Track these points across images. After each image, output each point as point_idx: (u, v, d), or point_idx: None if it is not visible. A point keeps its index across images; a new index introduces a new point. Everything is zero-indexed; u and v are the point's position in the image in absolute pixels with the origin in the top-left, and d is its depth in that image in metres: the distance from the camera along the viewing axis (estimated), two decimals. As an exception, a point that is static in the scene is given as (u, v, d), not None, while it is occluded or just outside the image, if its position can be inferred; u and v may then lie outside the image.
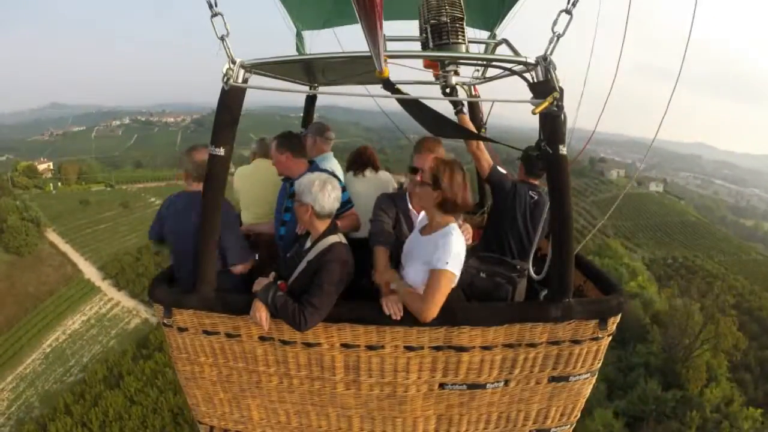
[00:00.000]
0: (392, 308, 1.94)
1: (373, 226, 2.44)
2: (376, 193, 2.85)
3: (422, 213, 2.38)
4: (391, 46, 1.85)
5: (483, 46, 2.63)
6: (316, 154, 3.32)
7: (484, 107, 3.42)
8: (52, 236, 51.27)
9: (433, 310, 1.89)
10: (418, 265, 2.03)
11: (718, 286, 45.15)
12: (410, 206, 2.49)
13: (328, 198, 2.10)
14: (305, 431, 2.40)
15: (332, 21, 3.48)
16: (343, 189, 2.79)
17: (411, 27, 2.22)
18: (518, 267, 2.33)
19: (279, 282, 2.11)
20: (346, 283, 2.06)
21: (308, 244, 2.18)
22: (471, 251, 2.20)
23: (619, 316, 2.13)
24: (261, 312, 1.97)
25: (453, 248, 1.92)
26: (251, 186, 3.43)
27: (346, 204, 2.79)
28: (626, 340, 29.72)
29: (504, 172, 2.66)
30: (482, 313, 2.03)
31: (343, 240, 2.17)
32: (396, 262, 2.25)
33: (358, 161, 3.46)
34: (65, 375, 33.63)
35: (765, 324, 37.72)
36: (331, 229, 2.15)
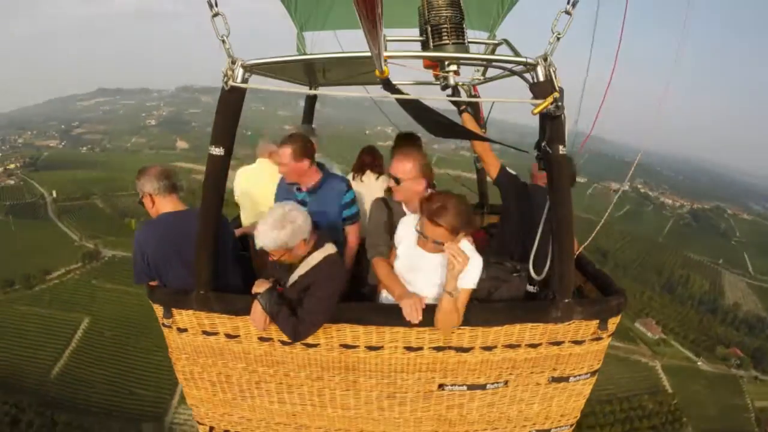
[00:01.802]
0: (413, 313, 1.91)
1: (368, 240, 2.42)
2: (372, 198, 2.84)
3: (407, 219, 2.34)
4: (391, 47, 1.84)
5: (483, 46, 2.63)
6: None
7: (484, 107, 3.42)
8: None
9: (453, 325, 1.97)
10: (435, 279, 2.00)
11: None
12: (405, 209, 2.48)
13: (304, 224, 1.99)
14: None
15: (333, 22, 3.48)
16: (352, 202, 2.77)
17: (411, 28, 2.22)
18: (518, 268, 2.33)
19: (278, 286, 2.10)
20: (341, 291, 2.04)
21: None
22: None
23: (620, 316, 2.13)
24: (261, 317, 1.98)
25: (478, 266, 1.98)
26: (253, 186, 3.42)
27: (355, 217, 2.77)
28: None
29: (513, 173, 2.63)
30: (482, 314, 2.03)
31: (332, 250, 2.12)
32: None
33: (358, 164, 3.45)
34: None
35: None
36: (318, 243, 2.09)
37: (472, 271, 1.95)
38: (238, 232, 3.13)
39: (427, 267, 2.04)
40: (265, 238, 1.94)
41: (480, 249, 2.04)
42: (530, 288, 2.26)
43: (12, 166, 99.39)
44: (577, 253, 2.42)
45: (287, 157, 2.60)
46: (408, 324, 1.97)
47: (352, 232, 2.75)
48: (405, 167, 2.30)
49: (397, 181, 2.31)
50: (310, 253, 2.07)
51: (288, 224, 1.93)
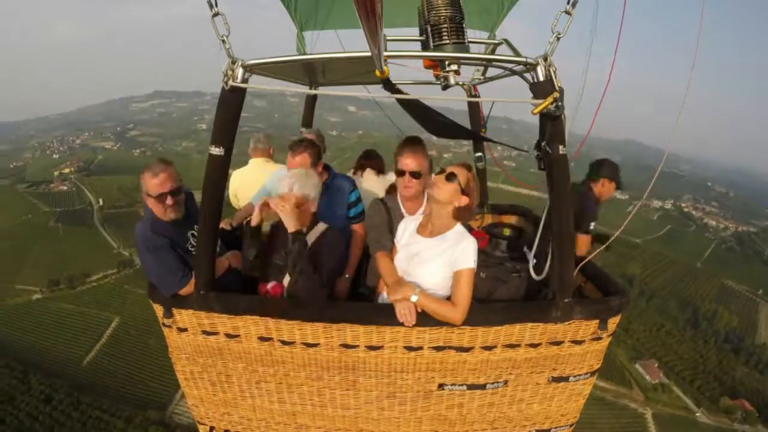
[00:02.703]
0: (407, 317, 1.93)
1: (369, 235, 2.43)
2: (372, 195, 2.85)
3: (407, 219, 2.35)
4: (391, 47, 1.85)
5: (483, 46, 2.63)
6: None
7: (484, 107, 3.42)
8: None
9: (467, 311, 1.96)
10: (434, 266, 2.03)
11: None
12: (402, 208, 2.48)
13: (316, 183, 2.21)
14: None
15: (333, 22, 3.48)
16: (358, 200, 2.79)
17: (411, 28, 2.23)
18: (518, 268, 2.33)
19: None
20: (342, 264, 2.22)
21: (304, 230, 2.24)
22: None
23: (620, 316, 2.13)
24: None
25: (474, 246, 2.01)
26: (244, 186, 3.44)
27: (361, 215, 2.78)
28: None
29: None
30: (482, 314, 2.03)
31: (325, 226, 2.27)
32: None
33: (358, 164, 3.47)
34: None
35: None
36: (315, 219, 2.25)
37: (468, 251, 1.99)
38: (235, 221, 3.15)
39: (426, 255, 2.07)
40: (296, 181, 2.13)
41: (480, 249, 2.05)
42: (535, 276, 2.27)
43: (67, 170, 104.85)
44: (587, 260, 2.42)
45: (307, 167, 2.56)
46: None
47: (358, 230, 2.76)
48: (422, 161, 2.36)
49: (416, 175, 2.35)
50: (312, 227, 2.20)
51: (312, 177, 2.15)
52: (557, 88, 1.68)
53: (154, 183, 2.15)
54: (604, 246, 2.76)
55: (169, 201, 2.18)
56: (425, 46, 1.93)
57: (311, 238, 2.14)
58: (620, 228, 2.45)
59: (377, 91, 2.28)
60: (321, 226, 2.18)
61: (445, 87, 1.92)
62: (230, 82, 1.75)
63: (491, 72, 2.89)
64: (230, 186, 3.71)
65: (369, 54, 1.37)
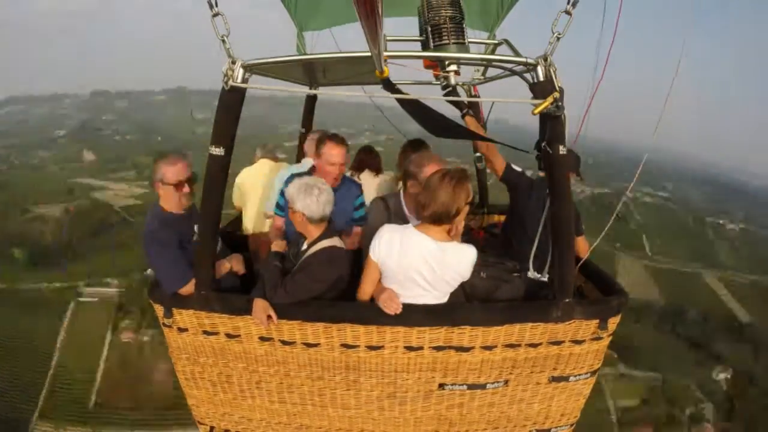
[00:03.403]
0: (391, 305, 1.93)
1: (366, 237, 2.41)
2: (370, 196, 2.85)
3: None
4: (392, 47, 1.85)
5: (483, 46, 2.63)
6: None
7: (484, 107, 3.42)
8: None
9: None
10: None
11: None
12: (404, 207, 2.46)
13: (317, 203, 2.08)
14: None
15: (333, 22, 3.49)
16: (362, 205, 2.78)
17: (412, 27, 2.22)
18: (518, 268, 2.33)
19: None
20: (330, 284, 2.07)
21: (304, 246, 2.19)
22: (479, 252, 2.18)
23: (620, 316, 2.14)
24: (260, 309, 1.99)
25: (472, 257, 1.98)
26: (254, 187, 3.44)
27: (364, 218, 2.77)
28: None
29: (519, 170, 2.62)
30: (483, 314, 2.03)
31: (339, 244, 2.15)
32: None
33: (356, 163, 3.45)
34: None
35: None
36: (326, 234, 2.15)
37: (464, 263, 1.96)
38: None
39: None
40: (290, 186, 2.15)
41: (480, 249, 2.04)
42: (540, 277, 2.25)
43: None
44: (586, 257, 2.42)
45: (346, 155, 2.62)
46: (409, 323, 1.98)
47: (357, 231, 2.76)
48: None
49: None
50: (318, 240, 2.13)
51: (304, 193, 2.08)
52: (557, 88, 1.68)
53: (172, 171, 2.15)
54: (592, 248, 2.74)
55: (186, 189, 2.20)
56: (425, 46, 1.93)
57: (310, 251, 2.12)
58: (608, 226, 2.46)
59: (377, 92, 2.28)
60: (325, 243, 2.11)
61: (445, 87, 1.92)
62: (230, 82, 1.75)
63: (491, 72, 2.89)
64: (238, 186, 3.68)
65: (369, 54, 1.37)
